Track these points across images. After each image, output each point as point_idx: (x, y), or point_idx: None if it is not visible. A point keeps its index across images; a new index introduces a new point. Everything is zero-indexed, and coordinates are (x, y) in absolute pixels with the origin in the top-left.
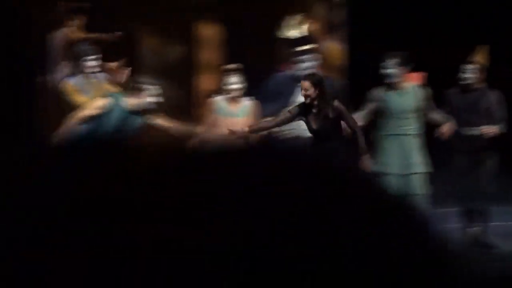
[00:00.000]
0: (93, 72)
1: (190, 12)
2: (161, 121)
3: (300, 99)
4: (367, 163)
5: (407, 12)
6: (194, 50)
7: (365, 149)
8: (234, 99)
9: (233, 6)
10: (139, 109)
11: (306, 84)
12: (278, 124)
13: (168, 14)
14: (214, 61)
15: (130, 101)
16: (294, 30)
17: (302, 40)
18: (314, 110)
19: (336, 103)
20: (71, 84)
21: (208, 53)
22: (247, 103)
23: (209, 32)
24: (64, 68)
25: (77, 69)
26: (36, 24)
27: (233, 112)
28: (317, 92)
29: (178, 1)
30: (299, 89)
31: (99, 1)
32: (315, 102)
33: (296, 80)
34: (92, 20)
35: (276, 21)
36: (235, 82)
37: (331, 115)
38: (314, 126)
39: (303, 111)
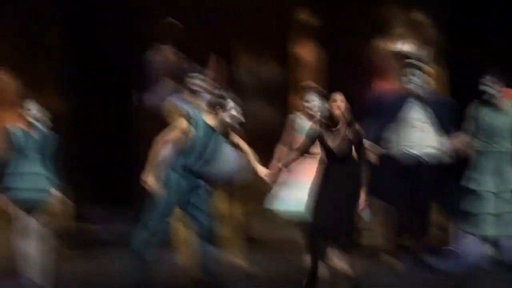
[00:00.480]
0: (199, 92)
1: (288, 34)
2: (240, 142)
3: (410, 114)
4: (364, 196)
5: (506, 30)
6: (291, 71)
7: (365, 183)
8: (312, 117)
9: (329, 27)
10: (221, 126)
11: (340, 97)
12: (304, 151)
13: (266, 35)
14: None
15: (210, 119)
16: (408, 45)
17: (416, 56)
18: (333, 129)
19: (357, 126)
20: (175, 103)
21: (305, 75)
22: None
23: (306, 54)
24: (165, 86)
25: (181, 88)
26: (135, 41)
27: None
28: (345, 108)
29: (276, 23)
30: (409, 104)
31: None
32: (339, 120)
33: (405, 96)
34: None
35: (370, 42)
36: (313, 100)
37: (350, 136)
38: (331, 145)
39: (324, 127)
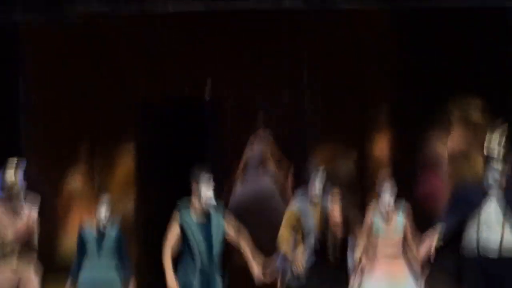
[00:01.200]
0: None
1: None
2: (242, 242)
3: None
4: None
5: None
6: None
7: None
8: (387, 216)
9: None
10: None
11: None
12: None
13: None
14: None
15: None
16: (498, 146)
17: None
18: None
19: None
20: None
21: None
22: (399, 221)
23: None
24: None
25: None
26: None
27: (389, 235)
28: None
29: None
30: (487, 201)
31: None
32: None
33: (485, 192)
34: None
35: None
36: (387, 199)
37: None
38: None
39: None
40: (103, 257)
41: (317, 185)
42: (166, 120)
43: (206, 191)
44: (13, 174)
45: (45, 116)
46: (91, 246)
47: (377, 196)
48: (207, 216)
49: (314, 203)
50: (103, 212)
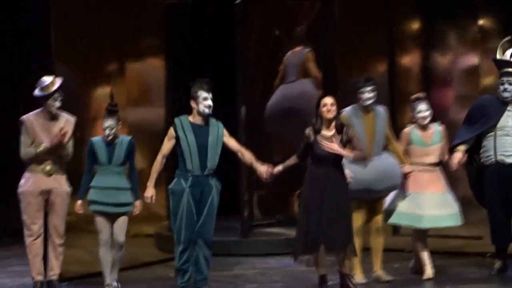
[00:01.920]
0: (368, 104)
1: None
2: (243, 150)
3: (507, 123)
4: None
5: None
6: (392, 80)
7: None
8: (425, 127)
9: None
10: None
11: (331, 101)
12: (300, 157)
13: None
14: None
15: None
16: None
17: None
18: (327, 133)
19: (349, 127)
20: (346, 114)
21: (407, 83)
22: (437, 129)
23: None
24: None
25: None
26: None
27: (426, 142)
28: (337, 111)
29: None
30: (506, 113)
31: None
32: (332, 124)
33: (504, 102)
34: None
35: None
36: (424, 109)
37: (344, 138)
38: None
39: (317, 134)
40: (113, 165)
41: (367, 94)
42: (194, 24)
43: (204, 100)
44: (51, 77)
45: (73, 26)
46: (102, 154)
47: (412, 110)
48: (205, 122)
49: (365, 112)
50: (113, 121)
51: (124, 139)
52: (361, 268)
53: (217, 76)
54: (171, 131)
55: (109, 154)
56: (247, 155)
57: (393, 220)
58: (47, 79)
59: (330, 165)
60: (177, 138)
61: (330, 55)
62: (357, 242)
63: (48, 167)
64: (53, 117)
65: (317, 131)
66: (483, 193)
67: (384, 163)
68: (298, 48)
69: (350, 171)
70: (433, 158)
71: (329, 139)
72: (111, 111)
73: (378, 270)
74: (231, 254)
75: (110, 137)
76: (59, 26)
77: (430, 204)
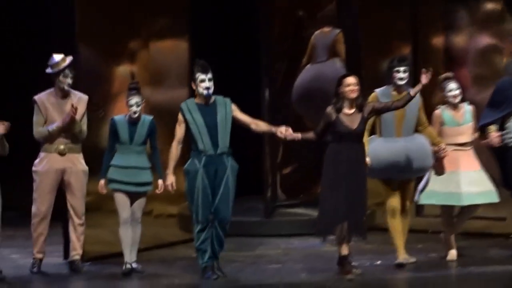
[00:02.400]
0: (401, 85)
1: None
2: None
3: None
4: None
5: None
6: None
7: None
8: (456, 106)
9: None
10: None
11: (354, 81)
12: (318, 134)
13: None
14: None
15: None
16: None
17: None
18: (350, 112)
19: (368, 103)
20: (377, 94)
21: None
22: (467, 109)
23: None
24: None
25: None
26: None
27: (458, 121)
28: (359, 91)
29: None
30: None
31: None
32: (355, 102)
33: None
34: None
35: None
36: (454, 88)
37: (366, 115)
38: (351, 127)
39: (340, 111)
40: (134, 144)
41: (401, 74)
42: (218, 4)
43: (201, 82)
44: (61, 55)
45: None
46: (124, 133)
47: (442, 89)
48: (211, 101)
49: (397, 92)
50: (139, 98)
51: (146, 118)
52: (404, 249)
53: (240, 57)
54: (179, 116)
55: (131, 133)
56: (261, 124)
57: (429, 200)
58: (57, 57)
59: (352, 142)
60: (186, 121)
61: (354, 36)
62: (396, 223)
63: (61, 146)
64: (65, 95)
65: (338, 110)
66: (506, 175)
67: (414, 144)
68: (327, 29)
69: (379, 151)
70: (465, 137)
71: (350, 117)
72: (135, 88)
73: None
74: (255, 234)
75: (137, 114)
76: (82, 6)
77: (466, 182)
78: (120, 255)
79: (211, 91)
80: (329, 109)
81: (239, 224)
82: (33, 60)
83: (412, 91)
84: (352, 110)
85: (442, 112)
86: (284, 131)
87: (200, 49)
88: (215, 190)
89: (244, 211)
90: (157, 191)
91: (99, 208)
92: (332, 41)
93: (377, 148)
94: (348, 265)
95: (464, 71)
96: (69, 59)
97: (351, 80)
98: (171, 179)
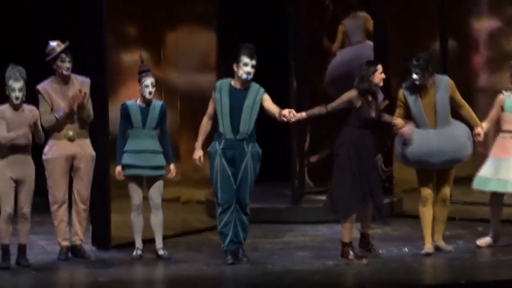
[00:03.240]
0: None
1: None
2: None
3: None
4: None
5: None
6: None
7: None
8: None
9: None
10: None
11: (381, 67)
12: (332, 109)
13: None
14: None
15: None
16: None
17: None
18: (371, 99)
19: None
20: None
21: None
22: None
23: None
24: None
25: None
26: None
27: None
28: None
29: None
30: None
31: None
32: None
33: None
34: None
35: None
36: None
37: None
38: (372, 114)
39: (365, 98)
40: (147, 128)
41: (414, 75)
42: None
43: (245, 65)
44: (57, 41)
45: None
46: (136, 117)
47: (510, 75)
48: (246, 86)
49: (422, 88)
50: (153, 79)
51: (157, 103)
52: (429, 239)
53: (268, 44)
54: (212, 92)
55: (144, 117)
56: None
57: (479, 186)
58: (53, 43)
59: (370, 129)
60: (215, 99)
61: (381, 21)
62: (427, 212)
63: (70, 132)
64: (67, 81)
65: (363, 95)
66: None
67: (453, 133)
68: (354, 13)
69: (415, 138)
70: None
71: (370, 103)
72: (147, 70)
73: (439, 240)
74: (282, 221)
75: (152, 95)
76: None
77: None
78: (147, 241)
79: (250, 76)
80: (354, 94)
81: (267, 210)
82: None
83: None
84: (372, 98)
85: (505, 97)
86: (287, 114)
87: (229, 35)
88: (236, 174)
89: (272, 197)
90: (169, 176)
91: (126, 193)
92: (363, 22)
93: (415, 135)
94: (353, 249)
95: (494, 55)
96: (64, 44)
97: (381, 68)
98: (198, 153)
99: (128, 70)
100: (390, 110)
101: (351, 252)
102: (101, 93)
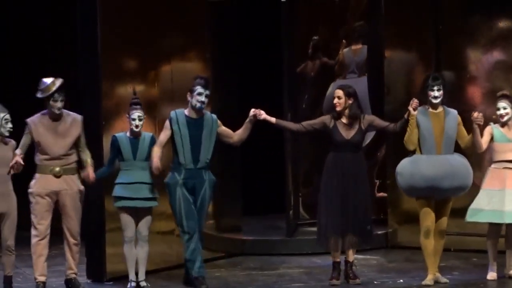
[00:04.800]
0: (436, 103)
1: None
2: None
3: None
4: None
5: None
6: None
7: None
8: (506, 124)
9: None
10: None
11: (340, 92)
12: (306, 126)
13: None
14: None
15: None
16: None
17: None
18: (344, 121)
19: (366, 115)
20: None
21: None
22: None
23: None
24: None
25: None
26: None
27: (509, 138)
28: (349, 102)
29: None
30: None
31: None
32: (346, 112)
33: None
34: None
35: None
36: (500, 107)
37: (363, 127)
38: (346, 137)
39: (333, 120)
40: (138, 160)
41: (434, 92)
42: (240, 22)
43: (199, 95)
44: (51, 78)
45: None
46: (127, 149)
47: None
48: (200, 115)
49: (434, 110)
50: (141, 112)
51: (147, 135)
52: (432, 270)
53: (263, 76)
54: (167, 123)
55: (134, 149)
56: (240, 131)
57: (475, 217)
58: (47, 80)
59: (348, 152)
60: (171, 131)
61: (379, 49)
62: (429, 243)
63: (57, 169)
64: (58, 118)
65: (336, 118)
66: None
67: (453, 162)
68: (356, 46)
69: (420, 167)
70: None
71: (347, 127)
72: (138, 103)
73: (436, 272)
74: (277, 253)
75: (139, 128)
76: (105, 23)
77: (510, 200)
78: (148, 272)
79: (204, 105)
80: (328, 116)
81: (262, 243)
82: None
83: (405, 115)
84: (349, 121)
85: (493, 127)
86: (257, 111)
87: (222, 67)
88: (195, 202)
89: (266, 229)
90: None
91: (120, 226)
92: (363, 58)
93: (417, 165)
94: (336, 271)
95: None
96: (58, 82)
97: (336, 93)
98: (157, 162)
99: (122, 102)
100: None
101: (333, 273)
102: (95, 125)
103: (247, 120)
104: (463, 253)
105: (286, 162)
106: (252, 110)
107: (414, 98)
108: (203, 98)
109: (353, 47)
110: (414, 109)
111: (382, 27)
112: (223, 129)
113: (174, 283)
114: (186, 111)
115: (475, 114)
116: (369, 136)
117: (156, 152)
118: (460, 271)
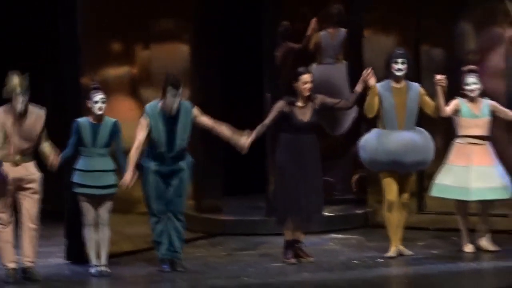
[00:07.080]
0: (400, 76)
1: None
2: (210, 122)
3: None
4: None
5: None
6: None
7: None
8: (474, 100)
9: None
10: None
11: (309, 78)
12: (270, 123)
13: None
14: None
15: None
16: None
17: None
18: (300, 104)
19: (317, 95)
20: (378, 87)
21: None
22: (486, 103)
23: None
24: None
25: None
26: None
27: (475, 113)
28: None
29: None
30: None
31: None
32: (306, 97)
33: None
34: None
35: None
36: (470, 83)
37: (317, 107)
38: (303, 119)
39: (291, 105)
40: (97, 147)
41: (398, 65)
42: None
43: (171, 96)
44: (18, 80)
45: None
46: (87, 135)
47: (463, 83)
48: (175, 110)
49: (397, 85)
50: (103, 95)
51: (109, 120)
52: (395, 242)
53: (244, 62)
54: (143, 119)
55: (93, 136)
56: (223, 129)
57: (438, 193)
58: (14, 80)
59: (305, 134)
60: (149, 125)
61: (358, 33)
62: (392, 217)
63: (16, 157)
64: (22, 113)
65: (292, 103)
66: None
67: (416, 137)
68: (332, 29)
69: (383, 142)
70: (481, 131)
71: (303, 110)
72: (98, 88)
73: (400, 244)
74: (257, 233)
75: (102, 111)
76: (85, 7)
77: (477, 177)
78: (126, 254)
79: (176, 105)
80: (282, 103)
81: (242, 223)
82: (35, 60)
83: (357, 88)
84: (304, 103)
85: (460, 102)
86: (246, 141)
87: (204, 54)
88: (170, 183)
89: (247, 209)
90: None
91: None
92: (341, 42)
93: (380, 140)
94: (290, 251)
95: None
96: (25, 80)
97: (307, 77)
98: (130, 175)
99: (105, 88)
100: None
101: (289, 253)
102: (74, 111)
103: (235, 140)
104: (442, 232)
105: (266, 142)
106: (243, 142)
107: (368, 68)
108: (176, 98)
109: (330, 30)
110: (369, 78)
111: (362, 10)
112: (202, 120)
113: (153, 265)
114: (160, 104)
115: (438, 77)
116: (350, 118)
117: (133, 156)
118: (439, 250)
